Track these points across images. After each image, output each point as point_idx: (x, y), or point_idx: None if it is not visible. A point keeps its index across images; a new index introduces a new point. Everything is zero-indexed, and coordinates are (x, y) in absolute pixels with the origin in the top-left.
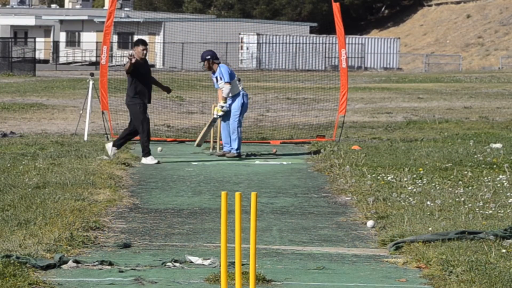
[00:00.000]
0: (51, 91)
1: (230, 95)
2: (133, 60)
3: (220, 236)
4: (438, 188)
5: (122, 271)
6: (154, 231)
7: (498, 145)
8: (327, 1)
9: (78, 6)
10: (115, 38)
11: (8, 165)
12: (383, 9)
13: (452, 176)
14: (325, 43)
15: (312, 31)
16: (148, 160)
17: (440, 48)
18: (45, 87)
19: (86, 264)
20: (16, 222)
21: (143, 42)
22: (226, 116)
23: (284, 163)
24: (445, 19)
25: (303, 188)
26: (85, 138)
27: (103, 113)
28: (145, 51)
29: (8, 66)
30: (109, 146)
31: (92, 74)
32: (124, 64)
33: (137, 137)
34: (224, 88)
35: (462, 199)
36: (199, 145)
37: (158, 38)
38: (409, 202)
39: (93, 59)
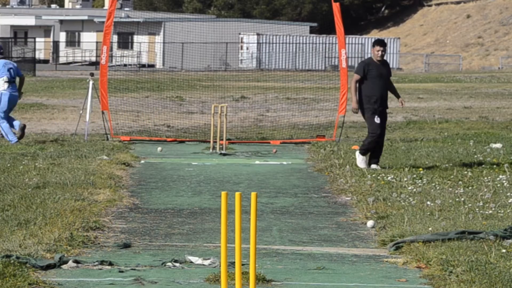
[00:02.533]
0: (51, 91)
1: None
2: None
3: (220, 236)
4: (438, 188)
5: (122, 271)
6: (154, 231)
7: (498, 145)
8: (327, 1)
9: (78, 6)
10: (115, 38)
11: (8, 165)
12: (383, 9)
13: (452, 176)
14: (325, 43)
15: (312, 31)
16: (359, 161)
17: (440, 48)
18: (45, 87)
19: (86, 264)
20: (16, 222)
21: (380, 43)
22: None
23: (284, 163)
24: (445, 19)
25: (303, 188)
26: (85, 138)
27: (103, 113)
28: (380, 52)
29: None
30: (359, 157)
31: (92, 74)
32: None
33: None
34: None
35: (462, 199)
36: None
37: (158, 38)
38: (409, 202)
39: (93, 59)
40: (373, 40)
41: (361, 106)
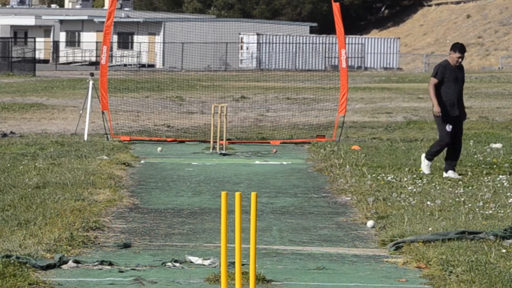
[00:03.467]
0: (51, 91)
1: None
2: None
3: (220, 236)
4: (438, 188)
5: (122, 271)
6: (154, 231)
7: (498, 145)
8: (327, 1)
9: (78, 6)
10: (115, 38)
11: (8, 165)
12: (383, 9)
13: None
14: (325, 43)
15: (312, 31)
16: (423, 166)
17: (440, 48)
18: (45, 87)
19: (86, 264)
20: (16, 222)
21: (461, 50)
22: None
23: (284, 163)
24: (445, 19)
25: (303, 188)
26: (85, 138)
27: (103, 113)
28: (460, 59)
29: (8, 66)
30: (424, 162)
31: (92, 74)
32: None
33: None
34: None
35: (462, 199)
36: None
37: (158, 38)
38: (409, 202)
39: (93, 59)
40: (453, 43)
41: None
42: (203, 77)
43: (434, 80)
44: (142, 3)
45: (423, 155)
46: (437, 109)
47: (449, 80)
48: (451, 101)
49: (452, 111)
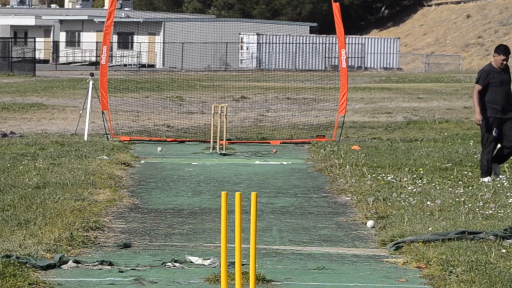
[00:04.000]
0: (51, 91)
1: None
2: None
3: (220, 236)
4: (438, 188)
5: (122, 271)
6: (154, 231)
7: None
8: (327, 1)
9: (78, 6)
10: (115, 38)
11: (8, 165)
12: (383, 9)
13: (452, 176)
14: (325, 43)
15: (312, 31)
16: (485, 180)
17: (440, 48)
18: (45, 87)
19: (86, 264)
20: (16, 222)
21: (506, 52)
22: None
23: (284, 163)
24: (445, 19)
25: (303, 188)
26: (85, 138)
27: (103, 113)
28: (504, 62)
29: (8, 66)
30: (484, 179)
31: (92, 74)
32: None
33: None
34: None
35: (462, 199)
36: None
37: (158, 38)
38: (409, 202)
39: (93, 59)
40: (497, 45)
41: (483, 116)
42: (203, 77)
43: (478, 87)
44: (142, 3)
45: (483, 179)
46: (478, 117)
47: (495, 84)
48: (499, 105)
49: (501, 114)
